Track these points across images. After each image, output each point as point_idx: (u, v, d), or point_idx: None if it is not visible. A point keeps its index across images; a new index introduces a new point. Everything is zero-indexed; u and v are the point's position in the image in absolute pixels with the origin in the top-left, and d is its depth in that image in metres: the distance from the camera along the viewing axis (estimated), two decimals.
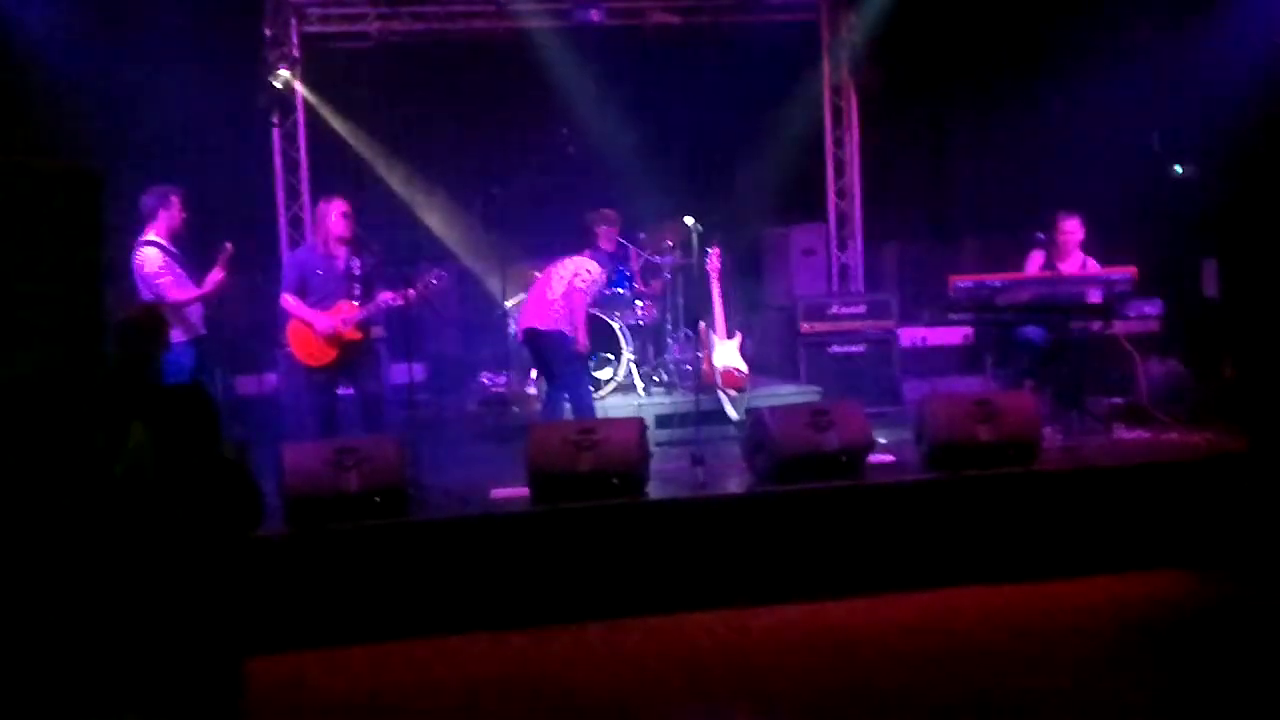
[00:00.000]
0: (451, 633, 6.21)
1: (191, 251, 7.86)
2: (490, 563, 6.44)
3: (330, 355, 7.75)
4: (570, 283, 8.37)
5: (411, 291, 7.80)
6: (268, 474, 6.11)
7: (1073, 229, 8.60)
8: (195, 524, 4.57)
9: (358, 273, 7.79)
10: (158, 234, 7.62)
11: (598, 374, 9.30)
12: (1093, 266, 8.56)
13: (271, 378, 9.78)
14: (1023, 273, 8.62)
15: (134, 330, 6.49)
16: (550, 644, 6.09)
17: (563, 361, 8.33)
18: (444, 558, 6.42)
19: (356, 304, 7.74)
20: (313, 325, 7.71)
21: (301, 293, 7.79)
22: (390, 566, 6.36)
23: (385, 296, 7.75)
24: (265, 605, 5.62)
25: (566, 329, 8.31)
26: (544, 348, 8.41)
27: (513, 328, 9.89)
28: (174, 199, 7.69)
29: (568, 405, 8.33)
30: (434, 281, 7.95)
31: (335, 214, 7.81)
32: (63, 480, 4.27)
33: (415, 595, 6.32)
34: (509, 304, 9.79)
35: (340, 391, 7.99)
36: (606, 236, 9.80)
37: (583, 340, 8.34)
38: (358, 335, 7.77)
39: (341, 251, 7.84)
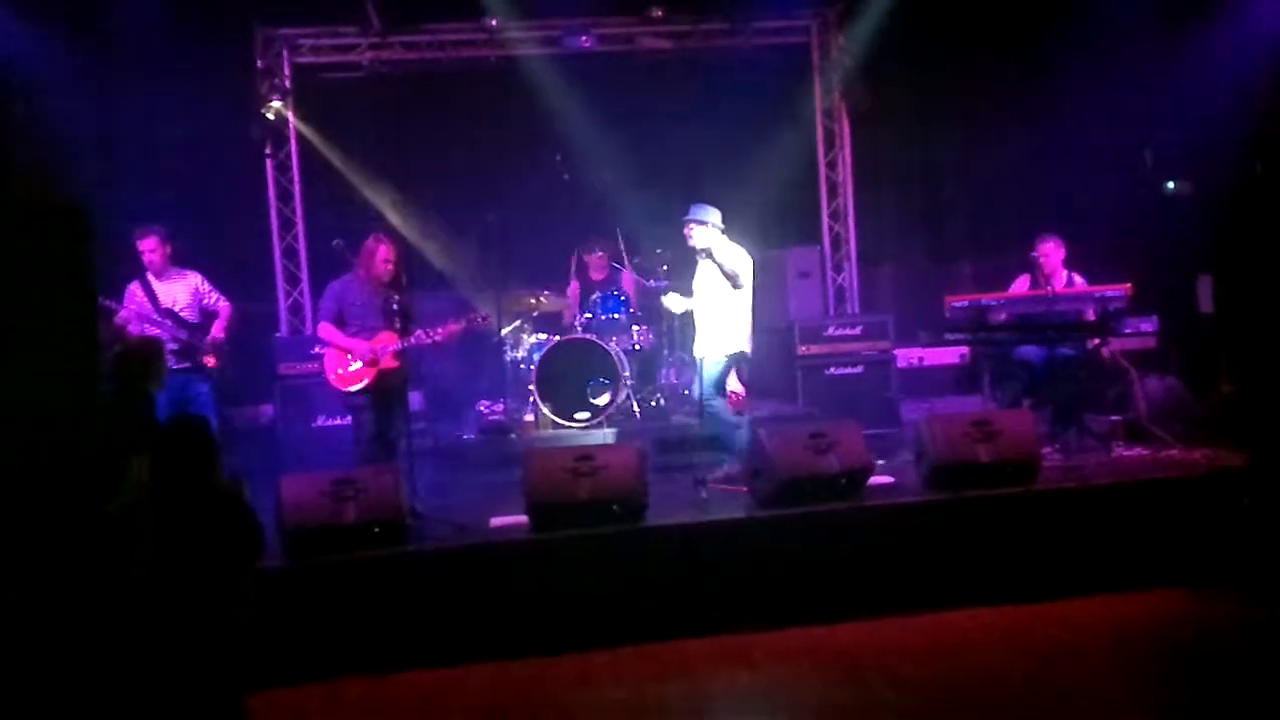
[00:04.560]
0: (453, 663, 6.17)
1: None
2: (490, 592, 6.42)
3: (366, 377, 7.72)
4: None
5: (455, 326, 7.86)
6: (265, 507, 6.08)
7: (1049, 251, 8.59)
8: (195, 559, 4.54)
9: (396, 306, 7.75)
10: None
11: (595, 400, 9.28)
12: (1079, 283, 8.56)
13: (267, 409, 9.74)
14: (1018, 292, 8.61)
15: (122, 364, 6.50)
16: (552, 673, 6.05)
17: None
18: (444, 588, 6.39)
19: (397, 335, 7.73)
20: (351, 352, 7.72)
21: (340, 322, 7.82)
22: (390, 597, 6.33)
23: (426, 330, 7.79)
24: (265, 639, 5.57)
25: None
26: None
27: (509, 355, 9.86)
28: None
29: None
30: (481, 320, 8.11)
31: (380, 258, 7.82)
32: (61, 517, 4.24)
33: (415, 626, 6.29)
34: (504, 331, 9.77)
35: (339, 421, 7.93)
36: (596, 266, 10.03)
37: None
38: (395, 364, 7.75)
39: (381, 286, 7.85)
